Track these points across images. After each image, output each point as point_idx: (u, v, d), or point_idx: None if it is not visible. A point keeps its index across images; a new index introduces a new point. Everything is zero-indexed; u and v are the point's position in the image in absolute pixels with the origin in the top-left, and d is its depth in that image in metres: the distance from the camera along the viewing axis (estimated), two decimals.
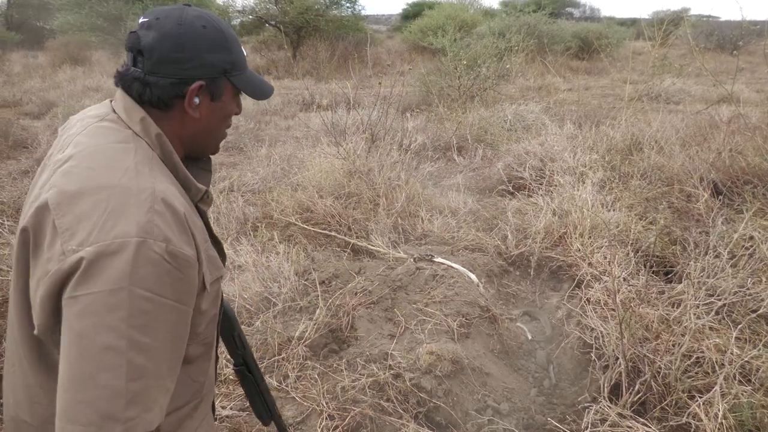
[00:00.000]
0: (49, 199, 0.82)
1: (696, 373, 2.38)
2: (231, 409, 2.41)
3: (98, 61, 16.86)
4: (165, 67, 0.92)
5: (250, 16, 20.32)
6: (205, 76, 0.95)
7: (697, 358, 2.43)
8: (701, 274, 2.90)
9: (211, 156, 1.12)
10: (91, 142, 0.90)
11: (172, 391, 0.85)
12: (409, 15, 27.71)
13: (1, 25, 22.87)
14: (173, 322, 0.83)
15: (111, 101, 1.01)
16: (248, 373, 1.14)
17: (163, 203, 0.83)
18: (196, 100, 0.96)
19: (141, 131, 0.93)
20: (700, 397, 2.17)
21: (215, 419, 1.36)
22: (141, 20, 0.94)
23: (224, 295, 3.28)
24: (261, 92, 1.06)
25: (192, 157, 1.06)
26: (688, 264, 3.07)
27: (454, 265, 3.45)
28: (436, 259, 3.52)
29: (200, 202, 1.00)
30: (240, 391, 2.49)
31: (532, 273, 3.77)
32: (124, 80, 0.95)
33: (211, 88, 0.97)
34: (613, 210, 4.16)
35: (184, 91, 0.94)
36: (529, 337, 3.11)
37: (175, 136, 0.98)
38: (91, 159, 0.86)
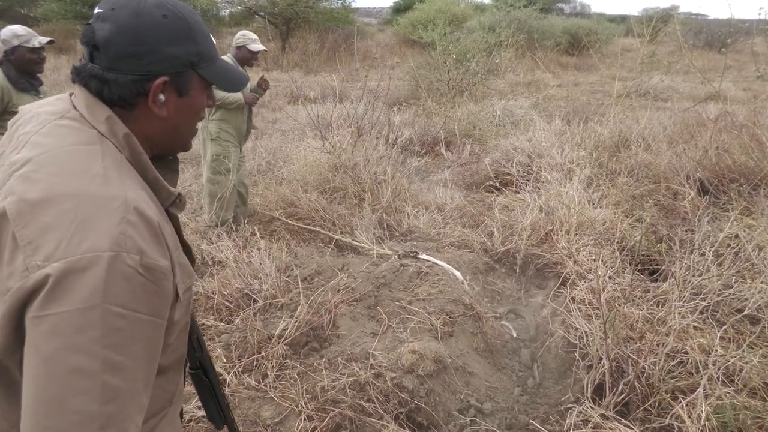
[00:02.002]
0: (7, 207, 0.75)
1: (680, 373, 2.36)
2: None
3: (83, 50, 16.60)
4: (123, 63, 0.85)
5: (239, 7, 20.11)
6: (168, 71, 0.88)
7: (681, 358, 2.41)
8: (686, 273, 2.88)
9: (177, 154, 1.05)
10: (52, 143, 0.82)
11: (146, 406, 0.80)
12: (400, 8, 27.64)
13: None
14: (148, 338, 0.77)
15: (71, 95, 0.92)
16: (204, 377, 1.08)
17: (136, 212, 0.77)
18: (162, 97, 0.89)
19: (107, 131, 0.86)
20: (684, 399, 2.15)
21: (183, 424, 1.31)
22: (96, 11, 0.87)
23: (204, 291, 3.18)
24: (234, 83, 0.99)
25: (160, 155, 1.00)
26: (674, 263, 3.05)
27: (438, 262, 3.41)
28: (420, 256, 3.47)
29: (171, 206, 0.93)
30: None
31: (517, 270, 3.74)
32: (81, 76, 0.88)
33: (176, 84, 0.90)
34: (600, 207, 4.14)
35: (147, 88, 0.87)
36: (514, 335, 3.08)
37: (142, 135, 0.91)
38: (54, 163, 0.79)
